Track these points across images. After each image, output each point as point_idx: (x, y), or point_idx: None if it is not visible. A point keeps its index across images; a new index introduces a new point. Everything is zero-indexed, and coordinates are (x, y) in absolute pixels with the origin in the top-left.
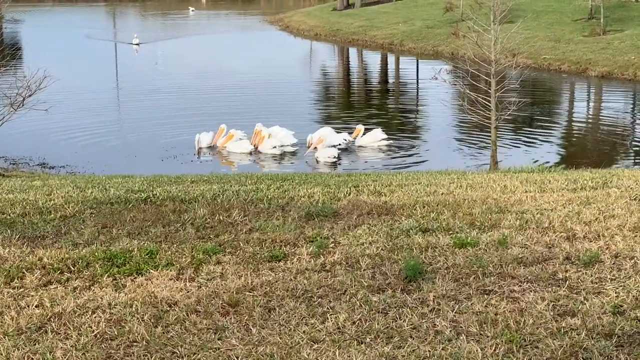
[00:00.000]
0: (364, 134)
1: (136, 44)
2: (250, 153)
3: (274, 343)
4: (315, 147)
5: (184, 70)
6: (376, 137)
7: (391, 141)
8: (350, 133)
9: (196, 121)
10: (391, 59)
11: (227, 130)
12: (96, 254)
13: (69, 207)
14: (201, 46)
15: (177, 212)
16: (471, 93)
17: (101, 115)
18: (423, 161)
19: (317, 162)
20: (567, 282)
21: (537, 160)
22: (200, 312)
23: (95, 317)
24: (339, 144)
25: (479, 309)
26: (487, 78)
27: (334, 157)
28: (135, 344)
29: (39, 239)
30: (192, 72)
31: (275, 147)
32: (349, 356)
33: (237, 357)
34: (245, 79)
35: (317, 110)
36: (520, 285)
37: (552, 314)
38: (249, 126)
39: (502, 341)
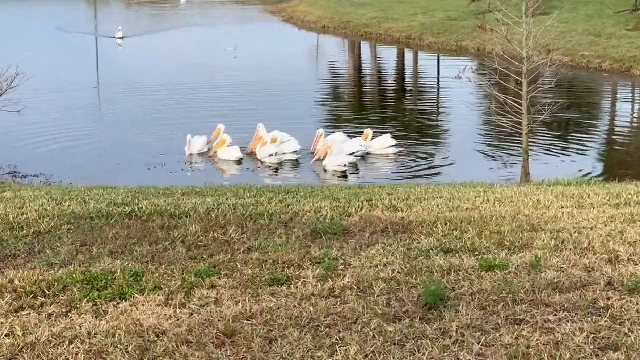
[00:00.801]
0: (372, 139)
1: (120, 38)
2: (239, 161)
3: None
4: (321, 157)
5: (174, 66)
6: (385, 143)
7: (402, 148)
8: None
9: (188, 124)
10: (409, 55)
11: (224, 131)
12: (74, 275)
13: (43, 223)
14: (194, 40)
15: (166, 228)
16: (500, 94)
17: (80, 117)
18: (444, 172)
19: (325, 171)
20: (609, 311)
21: (580, 171)
22: (192, 343)
23: (73, 348)
24: (356, 152)
25: (508, 341)
26: (518, 78)
27: (345, 165)
28: None
29: (9, 259)
30: (183, 68)
31: (272, 155)
32: None
33: None
34: (243, 76)
35: (324, 113)
36: (556, 315)
37: (592, 347)
38: (245, 129)
39: None
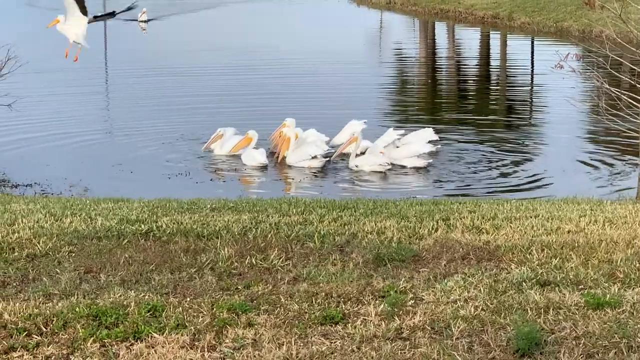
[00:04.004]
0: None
1: (144, 21)
2: (265, 167)
3: None
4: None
5: (206, 52)
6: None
7: (439, 145)
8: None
9: (217, 122)
10: (495, 39)
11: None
12: (77, 309)
13: (39, 243)
14: (232, 20)
15: (191, 252)
16: (611, 88)
17: (84, 113)
18: (539, 183)
19: (355, 170)
20: None
21: None
22: None
23: None
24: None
25: None
26: (634, 67)
27: (387, 164)
28: None
29: None
30: (217, 54)
31: (315, 157)
32: None
33: None
34: (289, 62)
35: (387, 107)
36: None
37: None
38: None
39: None
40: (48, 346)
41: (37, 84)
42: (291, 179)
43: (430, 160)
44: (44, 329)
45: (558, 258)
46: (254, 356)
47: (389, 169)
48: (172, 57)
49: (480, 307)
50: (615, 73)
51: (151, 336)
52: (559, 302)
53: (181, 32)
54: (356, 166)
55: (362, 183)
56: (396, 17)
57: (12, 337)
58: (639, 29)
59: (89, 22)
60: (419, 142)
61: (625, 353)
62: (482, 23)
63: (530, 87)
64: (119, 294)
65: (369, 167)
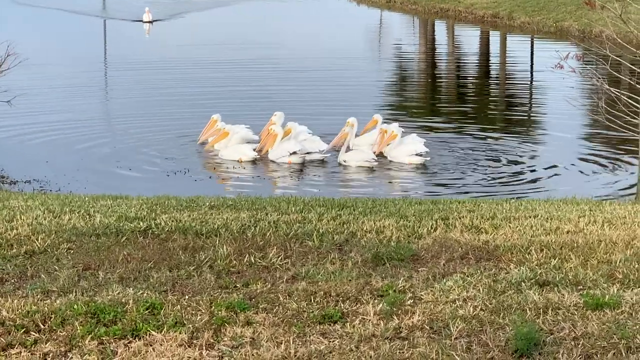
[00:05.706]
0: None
1: (148, 22)
2: (255, 161)
3: None
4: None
5: (206, 49)
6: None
7: (426, 156)
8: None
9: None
10: (495, 38)
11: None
12: (75, 306)
13: (37, 240)
14: (232, 18)
15: (189, 249)
16: (610, 88)
17: (84, 111)
18: (537, 184)
19: (344, 166)
20: None
21: None
22: None
23: None
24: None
25: None
26: (633, 67)
27: (374, 160)
28: None
29: None
30: (216, 51)
31: (295, 153)
32: None
33: None
34: (288, 59)
35: (385, 104)
36: None
37: None
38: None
39: None
40: (46, 343)
41: (37, 80)
42: (273, 175)
43: (428, 158)
44: (42, 326)
45: (557, 258)
46: (252, 355)
47: (376, 165)
48: (171, 53)
49: (479, 307)
50: (615, 73)
51: (149, 334)
52: (557, 303)
53: (184, 31)
54: (344, 161)
55: (349, 180)
56: (396, 15)
57: (10, 334)
58: (639, 29)
59: None
60: (415, 140)
61: (624, 354)
62: (482, 22)
63: (529, 86)
64: (117, 292)
65: (355, 163)
